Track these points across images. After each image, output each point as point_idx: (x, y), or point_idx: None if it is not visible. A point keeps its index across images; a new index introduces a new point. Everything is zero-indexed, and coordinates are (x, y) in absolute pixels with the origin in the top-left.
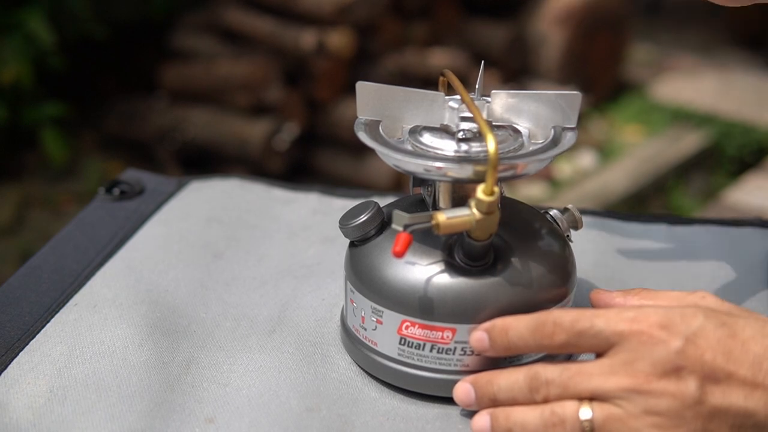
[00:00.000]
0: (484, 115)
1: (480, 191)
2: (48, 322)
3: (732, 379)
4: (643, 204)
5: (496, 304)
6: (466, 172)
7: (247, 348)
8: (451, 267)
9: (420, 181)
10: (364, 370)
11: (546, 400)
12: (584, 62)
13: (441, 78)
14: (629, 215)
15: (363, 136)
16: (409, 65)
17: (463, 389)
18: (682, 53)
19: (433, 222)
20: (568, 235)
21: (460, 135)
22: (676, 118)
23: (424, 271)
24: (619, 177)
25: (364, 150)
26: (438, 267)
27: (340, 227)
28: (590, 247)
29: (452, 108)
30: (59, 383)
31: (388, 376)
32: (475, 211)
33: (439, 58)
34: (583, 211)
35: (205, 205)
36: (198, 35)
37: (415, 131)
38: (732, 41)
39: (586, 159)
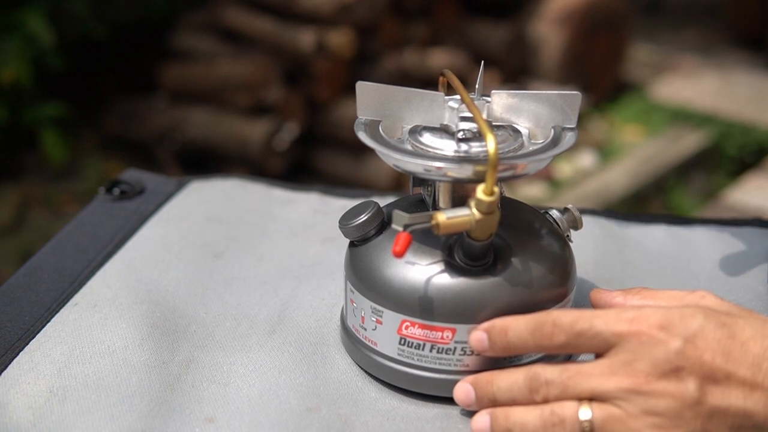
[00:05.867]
0: (484, 115)
1: (480, 191)
2: (48, 322)
3: (731, 379)
4: (643, 204)
5: (496, 304)
6: (466, 172)
7: (247, 348)
8: (451, 267)
9: (420, 181)
10: (364, 370)
11: (546, 401)
12: (584, 62)
13: (441, 78)
14: (629, 215)
15: (363, 136)
16: (409, 65)
17: (463, 389)
18: (682, 53)
19: (433, 222)
20: (568, 235)
21: (460, 135)
22: (676, 118)
23: (424, 271)
24: (619, 177)
25: (364, 150)
26: (438, 267)
27: (340, 227)
28: (590, 247)
29: (452, 108)
30: (59, 383)
31: (388, 376)
32: (474, 211)
33: (439, 58)
34: (583, 211)
35: (205, 205)
36: (198, 35)
37: (415, 131)
38: (732, 41)
39: (586, 159)
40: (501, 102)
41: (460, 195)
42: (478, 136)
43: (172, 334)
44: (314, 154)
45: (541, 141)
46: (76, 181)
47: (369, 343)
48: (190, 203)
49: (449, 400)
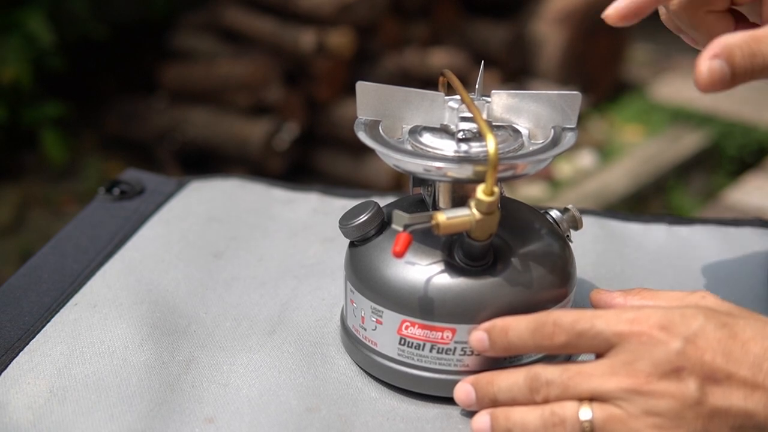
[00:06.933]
0: (484, 115)
1: (480, 191)
2: (48, 322)
3: (732, 379)
4: (643, 204)
5: (496, 305)
6: (466, 172)
7: (247, 348)
8: (451, 267)
9: (420, 181)
10: (364, 370)
11: (546, 401)
12: (584, 62)
13: (441, 78)
14: (629, 215)
15: (363, 136)
16: (409, 65)
17: (464, 390)
18: (682, 53)
19: (433, 222)
20: (568, 235)
21: (460, 135)
22: (676, 118)
23: (424, 271)
24: (619, 177)
25: (364, 150)
26: (438, 267)
27: (340, 227)
28: (590, 247)
29: (452, 108)
30: (59, 383)
31: (387, 376)
32: (474, 211)
33: (439, 58)
34: (583, 211)
35: (205, 205)
36: (198, 35)
37: (415, 131)
38: None
39: (586, 159)
40: (501, 102)
41: (460, 195)
42: (478, 136)
43: (172, 334)
44: (314, 154)
45: (541, 141)
46: (76, 181)
47: (369, 343)
48: (190, 203)
49: (449, 400)
